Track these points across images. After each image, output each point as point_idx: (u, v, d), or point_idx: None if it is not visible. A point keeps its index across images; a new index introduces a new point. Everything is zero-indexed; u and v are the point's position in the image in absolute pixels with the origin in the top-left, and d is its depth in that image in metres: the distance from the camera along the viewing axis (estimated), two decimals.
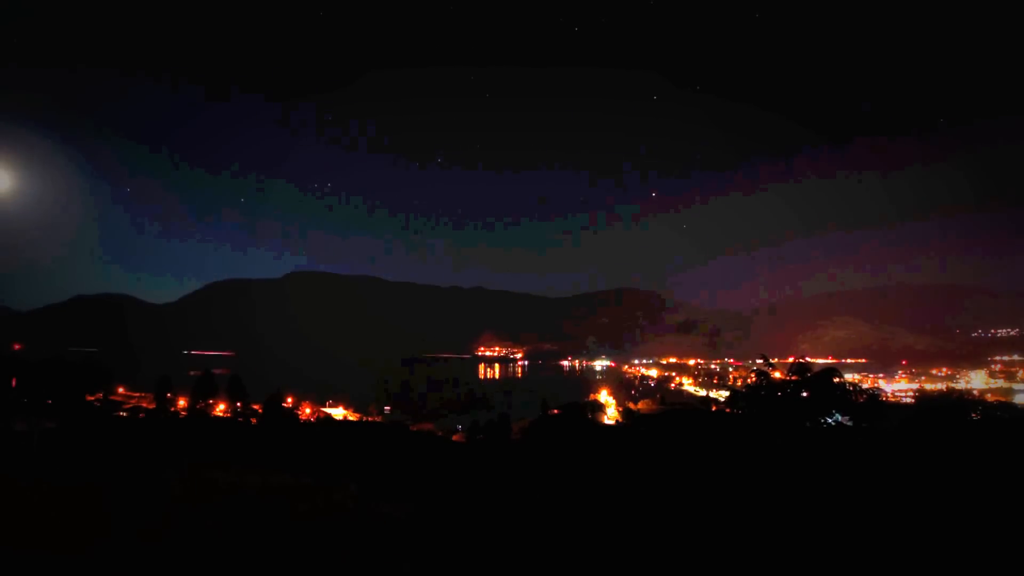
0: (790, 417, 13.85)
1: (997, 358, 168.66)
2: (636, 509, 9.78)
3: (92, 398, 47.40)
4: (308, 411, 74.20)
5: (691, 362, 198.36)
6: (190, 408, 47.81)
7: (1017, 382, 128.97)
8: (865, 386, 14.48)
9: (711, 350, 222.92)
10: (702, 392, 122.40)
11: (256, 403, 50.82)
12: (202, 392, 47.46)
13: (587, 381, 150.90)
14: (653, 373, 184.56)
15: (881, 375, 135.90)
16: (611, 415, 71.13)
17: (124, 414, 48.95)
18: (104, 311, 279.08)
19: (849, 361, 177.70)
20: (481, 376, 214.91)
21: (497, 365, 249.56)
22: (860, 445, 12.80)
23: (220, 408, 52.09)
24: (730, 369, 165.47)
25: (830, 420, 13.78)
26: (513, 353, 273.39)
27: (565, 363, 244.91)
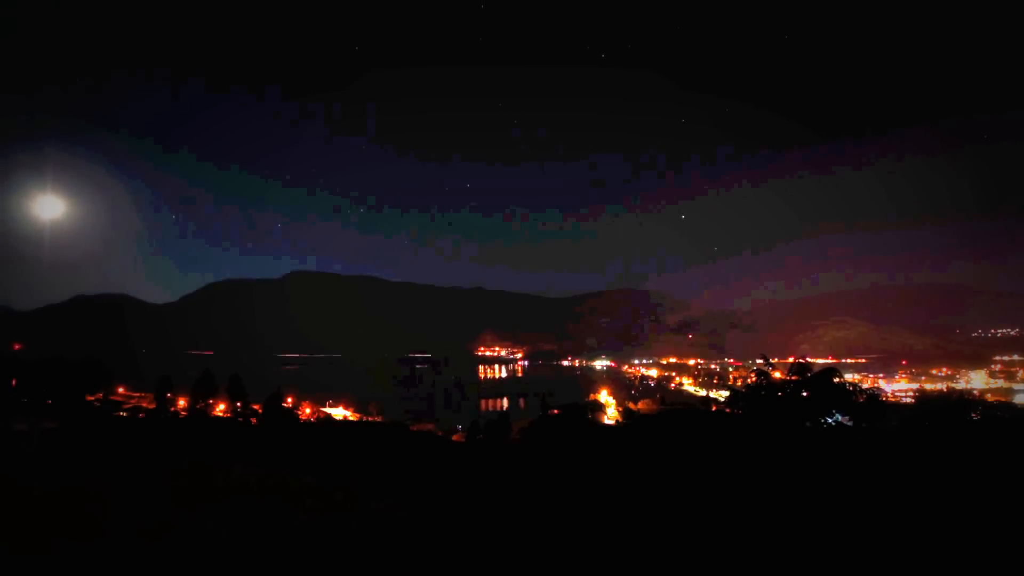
0: (790, 417, 13.86)
1: (997, 358, 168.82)
2: (636, 509, 9.79)
3: (92, 398, 47.39)
4: (308, 411, 74.22)
5: (691, 362, 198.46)
6: (190, 408, 47.83)
7: (1017, 382, 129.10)
8: (865, 386, 14.49)
9: (711, 350, 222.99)
10: (702, 392, 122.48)
11: (256, 403, 50.82)
12: (202, 392, 47.48)
13: (587, 381, 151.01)
14: (653, 373, 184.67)
15: (881, 375, 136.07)
16: (611, 415, 71.06)
17: (124, 414, 48.93)
18: (104, 311, 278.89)
19: (849, 361, 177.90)
20: (481, 376, 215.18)
21: (497, 365, 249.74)
22: (860, 445, 12.81)
23: (220, 408, 52.11)
24: (730, 369, 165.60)
25: (830, 420, 13.79)
26: (513, 353, 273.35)
27: (565, 363, 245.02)
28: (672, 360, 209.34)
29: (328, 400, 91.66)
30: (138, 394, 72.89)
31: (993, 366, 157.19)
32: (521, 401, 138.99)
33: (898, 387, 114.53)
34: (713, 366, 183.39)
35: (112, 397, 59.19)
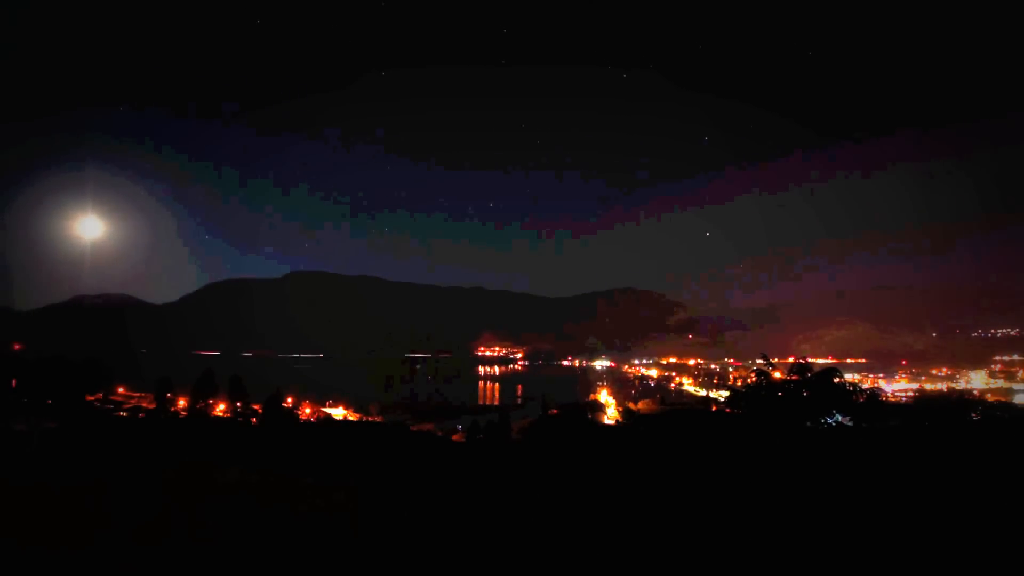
0: (790, 417, 13.87)
1: (997, 358, 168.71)
2: (636, 509, 9.79)
3: (92, 398, 47.41)
4: (308, 411, 74.20)
5: (691, 362, 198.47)
6: (190, 408, 47.82)
7: (1017, 382, 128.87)
8: (865, 386, 14.51)
9: (711, 350, 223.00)
10: (702, 392, 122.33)
11: (256, 403, 50.82)
12: (202, 392, 47.47)
13: (587, 381, 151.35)
14: (653, 373, 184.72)
15: (881, 375, 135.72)
16: (611, 415, 71.12)
17: (124, 414, 48.98)
18: (104, 311, 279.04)
19: (849, 361, 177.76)
20: (481, 375, 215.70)
21: (497, 365, 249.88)
22: (860, 445, 12.81)
23: (220, 408, 52.10)
24: (730, 369, 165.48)
25: (830, 420, 13.81)
26: (513, 353, 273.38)
27: (565, 363, 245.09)
28: (672, 360, 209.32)
29: (328, 400, 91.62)
30: (138, 394, 72.90)
31: (993, 366, 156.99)
32: (518, 389, 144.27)
33: (898, 387, 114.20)
34: (713, 366, 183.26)
35: (112, 397, 59.23)
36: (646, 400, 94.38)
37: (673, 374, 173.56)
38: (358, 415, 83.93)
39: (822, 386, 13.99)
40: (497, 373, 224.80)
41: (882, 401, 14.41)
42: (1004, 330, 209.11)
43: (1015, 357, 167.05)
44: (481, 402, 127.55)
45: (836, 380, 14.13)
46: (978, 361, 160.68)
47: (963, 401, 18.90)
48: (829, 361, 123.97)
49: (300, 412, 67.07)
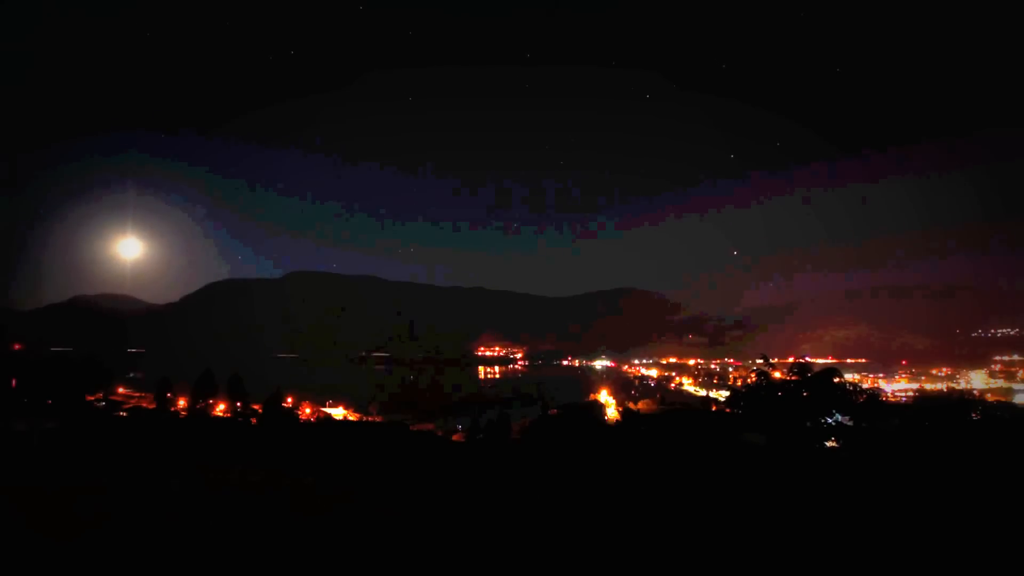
0: (790, 417, 13.88)
1: (997, 358, 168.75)
2: (636, 508, 9.78)
3: (92, 398, 47.46)
4: (308, 411, 74.18)
5: (691, 362, 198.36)
6: (190, 408, 47.85)
7: (1017, 382, 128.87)
8: (865, 386, 14.54)
9: (711, 350, 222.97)
10: (702, 392, 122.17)
11: (256, 403, 50.82)
12: (202, 392, 47.50)
13: (587, 381, 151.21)
14: (653, 373, 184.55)
15: (881, 375, 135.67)
16: (611, 415, 71.01)
17: (124, 414, 48.93)
18: (104, 311, 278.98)
19: (849, 361, 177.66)
20: (481, 376, 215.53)
21: (497, 365, 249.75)
22: (860, 445, 12.82)
23: (220, 408, 52.12)
24: (730, 369, 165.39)
25: (830, 420, 13.83)
26: (513, 353, 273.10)
27: (565, 363, 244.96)
28: (672, 360, 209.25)
29: (328, 400, 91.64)
30: (138, 394, 72.97)
31: (993, 366, 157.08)
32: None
33: (898, 387, 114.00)
34: (713, 366, 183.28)
35: (112, 397, 59.28)
36: (646, 400, 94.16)
37: (673, 374, 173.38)
38: (358, 415, 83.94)
39: (822, 386, 14.02)
40: (497, 373, 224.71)
41: (882, 401, 14.46)
42: (1004, 330, 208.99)
43: (1015, 357, 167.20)
44: None
45: (836, 380, 14.17)
46: (978, 361, 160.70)
47: (963, 401, 18.86)
48: (829, 361, 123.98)
49: (300, 412, 67.03)
